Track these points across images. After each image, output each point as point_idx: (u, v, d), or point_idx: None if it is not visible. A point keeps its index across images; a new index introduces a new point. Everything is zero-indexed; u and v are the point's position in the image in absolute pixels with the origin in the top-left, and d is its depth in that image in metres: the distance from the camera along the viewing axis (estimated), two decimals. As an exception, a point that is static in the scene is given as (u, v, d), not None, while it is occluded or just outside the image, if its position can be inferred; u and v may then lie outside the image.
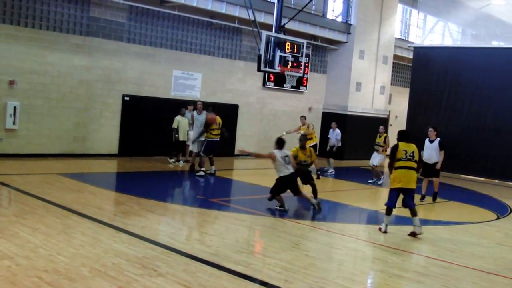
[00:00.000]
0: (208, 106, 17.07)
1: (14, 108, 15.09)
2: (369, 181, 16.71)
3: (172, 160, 17.20)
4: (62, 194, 10.91)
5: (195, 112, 16.23)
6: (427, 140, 13.71)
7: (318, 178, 15.55)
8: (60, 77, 16.02)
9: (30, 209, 9.23)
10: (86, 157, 16.60)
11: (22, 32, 15.20)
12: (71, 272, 6.25)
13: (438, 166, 13.66)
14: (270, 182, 14.62)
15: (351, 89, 23.56)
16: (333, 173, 18.31)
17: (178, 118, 17.10)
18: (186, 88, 19.06)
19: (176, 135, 16.90)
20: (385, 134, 16.84)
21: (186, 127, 17.07)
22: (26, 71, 15.36)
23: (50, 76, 15.82)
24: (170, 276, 6.40)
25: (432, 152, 13.63)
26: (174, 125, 16.95)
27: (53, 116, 15.98)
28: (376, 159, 16.70)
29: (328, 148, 18.93)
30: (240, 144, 20.23)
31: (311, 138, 16.48)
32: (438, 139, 13.68)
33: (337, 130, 18.74)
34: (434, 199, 13.98)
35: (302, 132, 16.46)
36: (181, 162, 17.18)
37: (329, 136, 18.93)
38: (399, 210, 12.72)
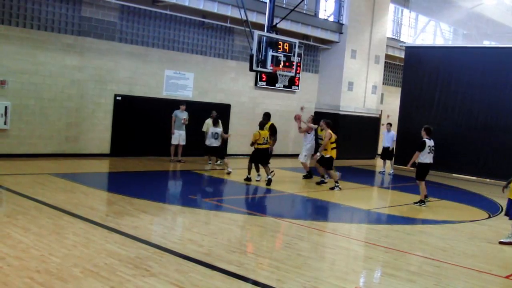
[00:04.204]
0: (212, 110, 17.48)
1: (6, 108, 15.01)
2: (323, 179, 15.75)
3: (210, 162, 17.39)
4: (54, 194, 10.86)
5: (319, 129, 15.77)
6: None
7: (323, 182, 15.42)
8: (52, 77, 15.95)
9: (22, 210, 9.18)
10: (78, 157, 16.54)
11: (13, 31, 15.13)
12: (63, 273, 6.22)
13: None
14: (261, 183, 14.66)
15: (343, 88, 23.60)
16: (391, 173, 19.61)
17: (208, 121, 17.23)
18: (178, 87, 19.03)
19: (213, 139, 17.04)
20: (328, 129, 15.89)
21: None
22: (18, 71, 15.29)
23: (42, 76, 15.75)
24: (163, 276, 6.39)
25: None
26: (204, 129, 17.15)
27: (44, 116, 15.91)
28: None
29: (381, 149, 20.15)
30: (232, 144, 20.25)
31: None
32: None
33: (392, 132, 19.33)
34: None
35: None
36: (219, 161, 17.44)
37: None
38: (392, 210, 12.78)
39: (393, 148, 19.98)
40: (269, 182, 14.56)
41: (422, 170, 13.22)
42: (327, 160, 14.98)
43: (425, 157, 13.10)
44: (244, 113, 21.22)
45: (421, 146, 13.04)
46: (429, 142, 13.15)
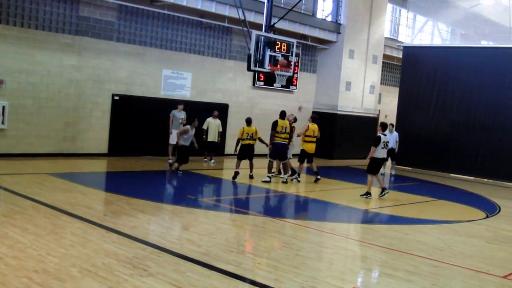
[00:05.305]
0: (214, 110, 17.84)
1: (3, 107, 14.98)
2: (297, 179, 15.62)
3: (205, 159, 17.98)
4: (52, 194, 10.85)
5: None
6: None
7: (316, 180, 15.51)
8: (50, 76, 15.93)
9: (20, 209, 9.17)
10: (76, 156, 16.52)
11: (11, 31, 15.10)
12: (61, 273, 6.22)
13: None
14: (259, 182, 14.66)
15: (341, 88, 23.61)
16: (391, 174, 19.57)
17: (209, 120, 17.59)
18: (176, 87, 19.02)
19: (204, 136, 17.41)
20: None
21: (218, 128, 17.68)
22: (15, 71, 15.26)
23: (40, 76, 15.73)
24: (161, 276, 6.39)
25: None
26: (204, 127, 17.47)
27: (42, 115, 15.89)
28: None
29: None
30: (231, 144, 20.22)
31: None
32: None
33: (395, 133, 19.40)
34: None
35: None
36: (212, 161, 17.89)
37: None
38: (389, 209, 12.79)
39: (394, 149, 19.73)
40: (250, 177, 15.01)
41: (375, 164, 13.69)
42: (300, 152, 15.59)
43: (379, 152, 13.54)
44: (242, 113, 21.17)
45: (376, 142, 13.49)
46: (384, 138, 13.62)
